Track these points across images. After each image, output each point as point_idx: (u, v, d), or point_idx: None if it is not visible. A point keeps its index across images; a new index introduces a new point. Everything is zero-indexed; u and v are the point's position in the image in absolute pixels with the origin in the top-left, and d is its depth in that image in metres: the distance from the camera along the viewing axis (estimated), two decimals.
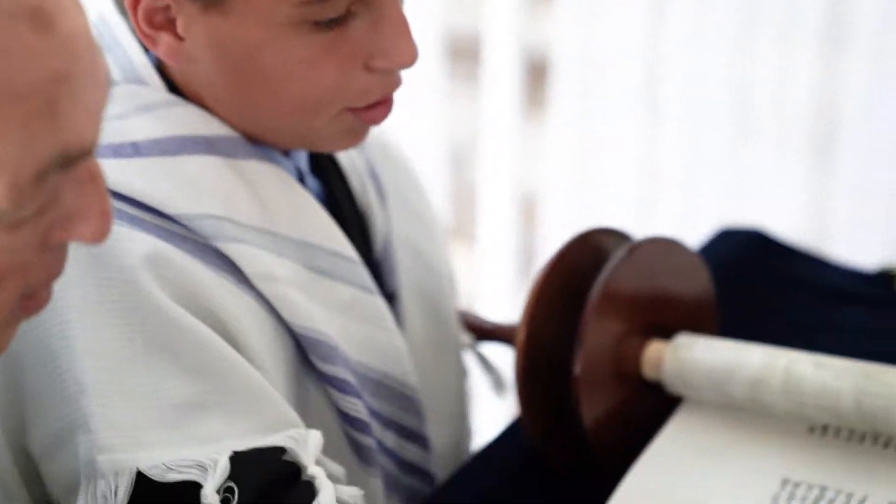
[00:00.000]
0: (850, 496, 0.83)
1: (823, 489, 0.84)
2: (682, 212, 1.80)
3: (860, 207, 1.71)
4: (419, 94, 1.86)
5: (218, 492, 0.73)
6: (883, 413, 0.82)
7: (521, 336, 0.90)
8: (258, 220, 0.82)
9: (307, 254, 0.84)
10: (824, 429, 0.87)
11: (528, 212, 2.06)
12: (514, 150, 1.95)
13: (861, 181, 1.71)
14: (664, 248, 0.93)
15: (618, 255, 0.90)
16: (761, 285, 1.11)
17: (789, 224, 1.68)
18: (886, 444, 0.85)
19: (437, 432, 0.97)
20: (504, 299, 1.99)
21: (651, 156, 1.86)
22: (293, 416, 0.79)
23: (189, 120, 0.81)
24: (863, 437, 0.86)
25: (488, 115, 1.93)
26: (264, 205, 0.83)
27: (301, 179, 0.88)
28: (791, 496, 0.85)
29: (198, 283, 0.78)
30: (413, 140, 1.82)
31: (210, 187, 0.81)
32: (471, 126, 2.03)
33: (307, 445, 0.78)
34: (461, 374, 1.02)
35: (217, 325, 0.78)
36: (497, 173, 1.97)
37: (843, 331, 1.06)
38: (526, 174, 2.02)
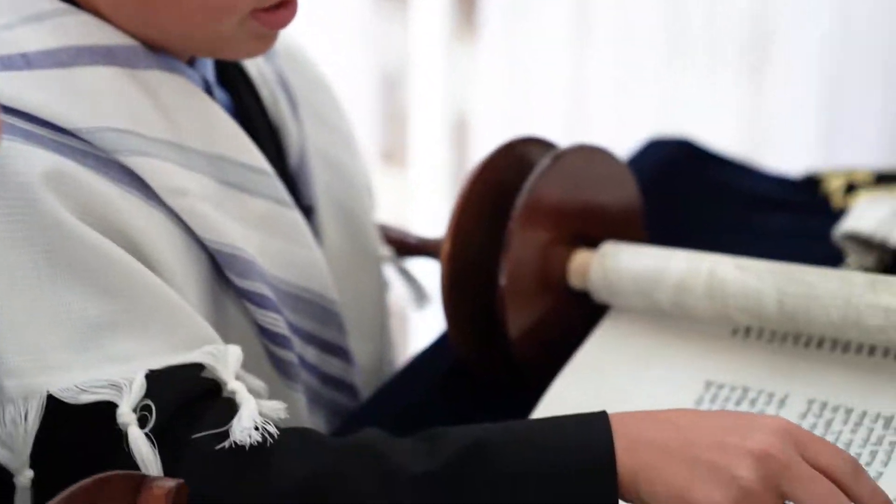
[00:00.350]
0: (771, 396, 0.84)
1: (746, 390, 0.85)
2: (615, 129, 1.79)
3: (790, 120, 1.72)
4: (349, 18, 1.83)
5: (134, 411, 0.72)
6: (804, 312, 0.82)
7: (446, 248, 0.89)
8: (164, 132, 0.80)
9: (218, 167, 0.82)
10: (747, 331, 0.88)
11: (460, 134, 2.04)
12: (446, 72, 1.93)
13: (791, 95, 1.72)
14: (589, 156, 0.92)
15: (542, 163, 0.89)
16: (689, 193, 1.11)
17: (721, 137, 1.68)
18: (807, 344, 0.85)
19: (359, 346, 0.96)
20: (437, 221, 1.98)
21: (583, 75, 1.85)
22: (210, 332, 0.77)
23: (84, 29, 0.78)
24: (784, 338, 0.86)
25: (419, 38, 1.91)
26: (170, 117, 0.81)
27: (208, 91, 0.86)
28: (714, 398, 0.85)
29: (103, 200, 0.75)
30: (343, 64, 1.80)
31: (110, 99, 0.78)
32: (401, 49, 2.00)
33: (226, 361, 0.76)
34: (381, 287, 1.01)
35: (125, 243, 0.76)
36: (428, 96, 1.95)
37: (770, 235, 1.06)
38: (457, 96, 2.01)
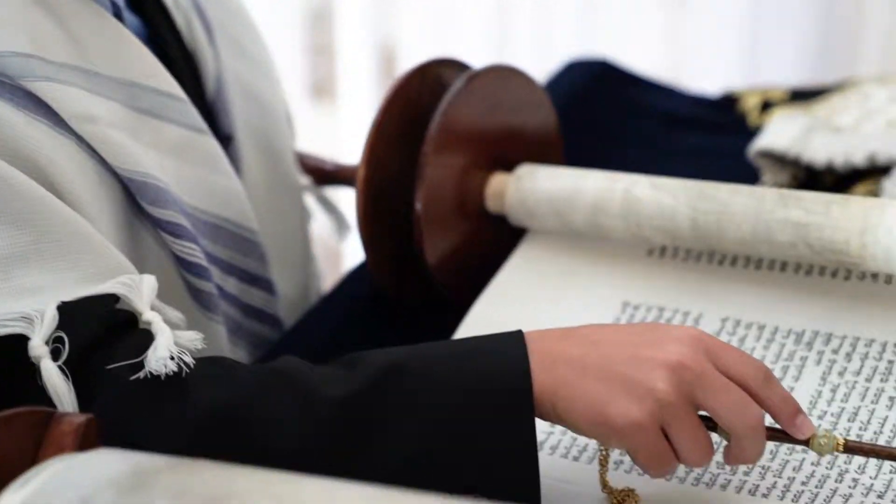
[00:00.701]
0: (686, 315, 0.85)
1: (661, 309, 0.85)
2: (540, 53, 1.78)
3: (712, 40, 1.72)
4: None
5: (47, 343, 0.71)
6: (716, 229, 0.83)
7: (361, 173, 0.88)
8: (71, 57, 0.78)
9: (129, 93, 0.81)
10: (662, 250, 0.88)
11: (388, 65, 2.03)
12: (372, 3, 1.91)
13: (712, 15, 1.72)
14: (504, 78, 0.92)
15: (456, 85, 0.88)
16: (607, 115, 1.11)
17: (644, 59, 1.68)
18: (721, 262, 0.86)
19: (281, 276, 0.95)
20: None
21: (508, 1, 1.84)
22: (124, 262, 0.76)
23: None
24: (699, 256, 0.87)
25: None
26: (77, 41, 0.79)
27: (117, 15, 0.84)
28: (631, 318, 0.86)
29: (8, 127, 0.74)
30: None
31: (12, 23, 0.76)
32: None
33: (140, 291, 0.75)
34: (302, 216, 1.01)
35: (34, 172, 0.74)
36: (355, 28, 1.93)
37: (687, 155, 1.07)
38: (384, 27, 1.99)
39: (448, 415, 0.70)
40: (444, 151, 0.88)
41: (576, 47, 1.75)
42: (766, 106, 1.09)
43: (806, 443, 0.71)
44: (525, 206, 0.89)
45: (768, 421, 0.71)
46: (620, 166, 0.92)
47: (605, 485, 0.74)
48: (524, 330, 0.73)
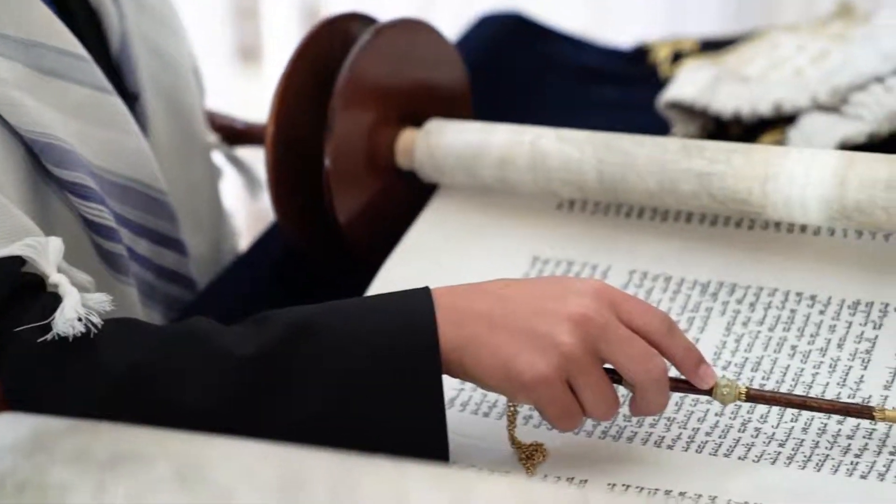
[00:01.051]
0: (594, 268, 0.85)
1: (570, 263, 0.86)
2: (463, 11, 1.77)
3: None
4: None
5: None
6: (621, 181, 0.83)
7: (269, 131, 0.88)
8: None
9: (31, 53, 0.80)
10: (571, 204, 0.89)
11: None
12: None
13: None
14: (412, 32, 0.91)
15: (363, 38, 0.88)
16: (520, 69, 1.11)
17: (563, 12, 1.68)
18: (628, 214, 0.87)
19: (193, 236, 0.95)
20: None
21: None
22: (30, 224, 0.76)
23: None
24: (607, 209, 0.88)
25: None
26: None
27: None
28: (540, 272, 0.86)
29: None
30: None
31: None
32: None
33: (47, 253, 0.75)
34: (212, 175, 1.00)
35: None
36: None
37: (600, 108, 1.07)
38: None
39: (354, 372, 0.70)
40: (353, 106, 0.87)
41: (498, 2, 1.74)
42: (677, 57, 1.09)
43: (709, 392, 0.72)
44: (434, 162, 0.89)
45: (673, 372, 0.72)
46: (534, 121, 0.92)
47: (513, 440, 0.75)
48: (433, 286, 0.73)
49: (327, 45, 0.89)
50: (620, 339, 0.70)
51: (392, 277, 0.87)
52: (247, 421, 0.70)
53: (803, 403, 0.71)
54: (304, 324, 0.71)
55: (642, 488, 0.71)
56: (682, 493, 0.70)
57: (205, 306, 0.89)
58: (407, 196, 0.92)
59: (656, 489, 0.71)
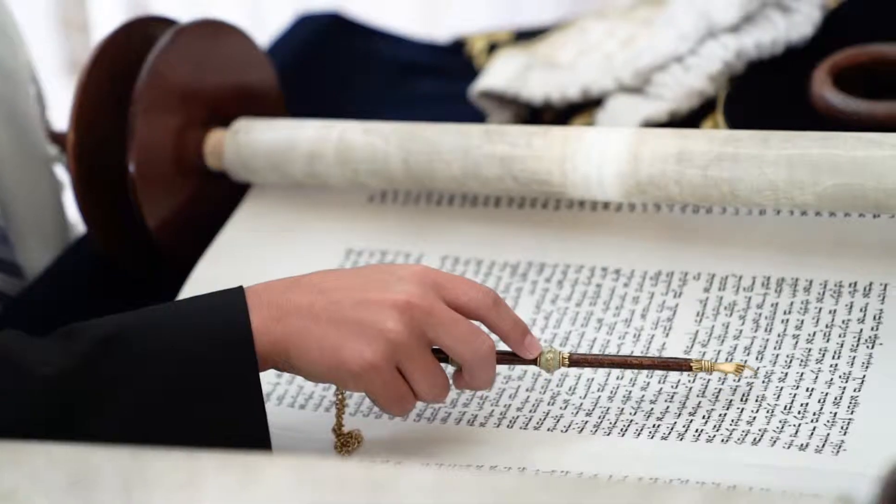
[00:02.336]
0: (407, 256, 0.86)
1: (384, 253, 0.86)
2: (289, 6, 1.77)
3: None
4: None
5: None
6: (428, 169, 0.84)
7: (70, 139, 0.86)
8: None
9: None
10: (383, 196, 0.89)
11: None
12: None
13: None
14: (214, 32, 0.91)
15: (162, 40, 0.87)
16: (339, 67, 1.11)
17: (400, 12, 1.68)
18: (438, 202, 0.88)
19: (38, 251, 0.93)
20: None
21: None
22: None
23: None
24: (417, 199, 0.88)
25: None
26: None
27: None
28: (355, 264, 0.86)
29: None
30: None
31: None
32: None
33: None
34: (55, 188, 0.97)
35: None
36: (109, 2, 1.88)
37: (419, 102, 1.08)
38: (140, 1, 1.94)
39: (173, 377, 0.69)
40: (155, 110, 0.87)
41: (330, 3, 1.74)
42: (493, 48, 1.11)
43: (534, 362, 0.73)
44: (243, 161, 0.89)
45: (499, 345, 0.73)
46: (354, 118, 0.92)
47: (340, 429, 0.75)
48: (249, 285, 0.72)
49: (126, 50, 0.88)
50: (446, 322, 0.71)
51: (203, 279, 0.86)
52: (63, 439, 0.69)
53: (624, 362, 0.73)
54: (110, 336, 0.69)
55: (454, 466, 0.72)
56: (492, 467, 0.71)
57: (12, 320, 0.87)
58: (220, 198, 0.91)
59: (467, 465, 0.72)
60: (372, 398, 0.72)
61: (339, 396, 0.75)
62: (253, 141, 0.88)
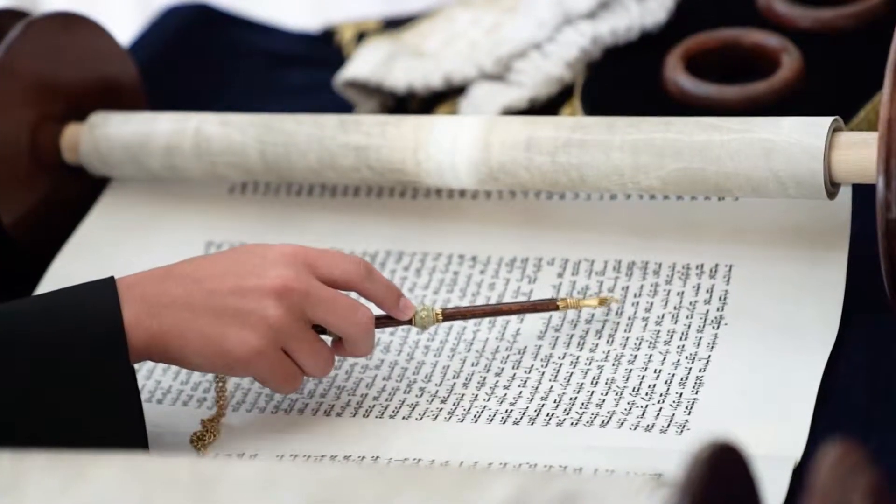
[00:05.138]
0: None
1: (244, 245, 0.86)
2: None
3: None
4: None
5: None
6: (285, 160, 0.84)
7: None
8: None
9: None
10: (243, 187, 0.89)
11: None
12: None
13: None
14: (70, 25, 0.90)
15: (12, 33, 0.85)
16: (208, 58, 1.10)
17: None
18: (299, 193, 0.88)
19: None
20: None
21: None
22: None
23: None
24: (278, 190, 0.88)
25: None
26: None
27: None
28: None
29: None
30: None
31: None
32: None
33: None
34: None
35: None
36: None
37: (288, 92, 1.07)
38: None
39: (34, 377, 0.68)
40: (8, 105, 0.85)
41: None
42: (362, 37, 1.10)
43: (410, 322, 0.74)
44: (100, 155, 0.88)
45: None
46: (223, 109, 0.91)
47: (217, 418, 0.75)
48: (119, 276, 0.72)
49: None
50: (323, 301, 0.71)
51: (62, 274, 0.85)
52: None
53: (495, 311, 0.76)
54: None
55: (309, 457, 0.72)
56: (346, 457, 0.72)
57: None
58: (80, 193, 0.90)
59: (322, 455, 0.72)
60: (261, 381, 0.72)
61: (220, 385, 0.76)
62: (109, 134, 0.88)
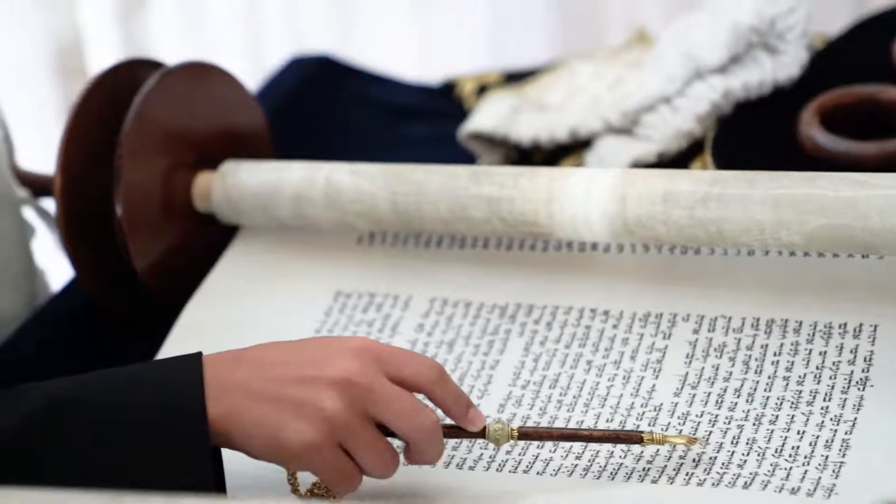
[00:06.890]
0: (396, 298, 0.85)
1: (372, 296, 0.86)
2: (290, 49, 1.78)
3: (457, 28, 1.75)
4: None
5: None
6: (415, 211, 0.83)
7: (57, 183, 0.86)
8: None
9: None
10: (371, 237, 0.89)
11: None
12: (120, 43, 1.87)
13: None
14: (202, 75, 0.91)
15: (149, 83, 0.87)
16: (330, 109, 1.11)
17: (397, 56, 1.69)
18: (427, 244, 0.87)
19: (2, 297, 0.92)
20: None
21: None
22: None
23: None
24: (406, 240, 0.88)
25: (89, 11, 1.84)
26: None
27: None
28: (343, 307, 0.86)
29: None
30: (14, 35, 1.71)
31: None
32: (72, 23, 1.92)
33: None
34: (23, 232, 0.97)
35: None
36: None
37: (411, 145, 1.08)
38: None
39: (120, 451, 0.67)
40: (142, 152, 0.86)
41: (326, 44, 1.75)
42: (483, 90, 1.11)
43: (482, 435, 0.71)
44: (231, 203, 0.88)
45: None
46: (344, 160, 0.92)
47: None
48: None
49: (114, 93, 0.88)
50: (387, 398, 0.69)
51: (192, 323, 0.85)
52: None
53: (575, 435, 0.72)
54: (59, 401, 0.67)
55: None
56: None
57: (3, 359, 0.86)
58: (210, 240, 0.91)
59: None
60: (318, 476, 0.70)
61: (293, 481, 0.73)
62: (240, 183, 0.88)
